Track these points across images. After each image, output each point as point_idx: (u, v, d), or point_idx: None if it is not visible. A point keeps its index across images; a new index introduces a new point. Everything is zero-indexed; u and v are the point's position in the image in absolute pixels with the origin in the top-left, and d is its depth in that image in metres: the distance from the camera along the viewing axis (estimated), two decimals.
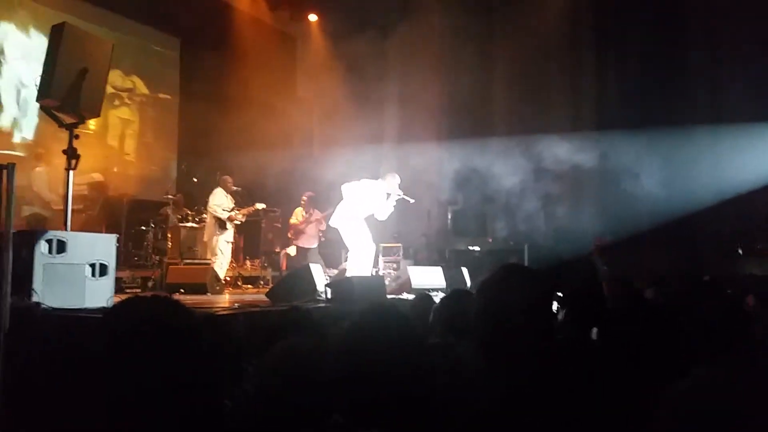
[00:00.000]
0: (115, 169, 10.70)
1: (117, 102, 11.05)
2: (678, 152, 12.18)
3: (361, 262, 7.48)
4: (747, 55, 12.02)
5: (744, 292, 3.73)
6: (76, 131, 4.77)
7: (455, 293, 3.11)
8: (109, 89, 10.80)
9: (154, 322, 1.24)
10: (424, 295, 4.12)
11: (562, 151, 12.66)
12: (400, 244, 12.64)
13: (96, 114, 5.10)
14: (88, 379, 1.30)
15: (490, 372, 1.71)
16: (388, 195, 7.59)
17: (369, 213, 7.56)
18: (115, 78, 10.89)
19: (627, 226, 12.23)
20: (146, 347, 1.18)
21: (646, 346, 2.35)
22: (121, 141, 11.21)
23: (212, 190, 8.87)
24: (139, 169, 11.27)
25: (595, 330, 2.75)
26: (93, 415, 1.29)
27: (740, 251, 11.85)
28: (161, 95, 11.84)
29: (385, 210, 7.60)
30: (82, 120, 4.84)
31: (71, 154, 4.71)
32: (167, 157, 11.88)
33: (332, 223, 7.75)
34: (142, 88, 11.50)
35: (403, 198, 7.70)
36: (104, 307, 4.09)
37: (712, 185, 11.85)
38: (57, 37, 4.52)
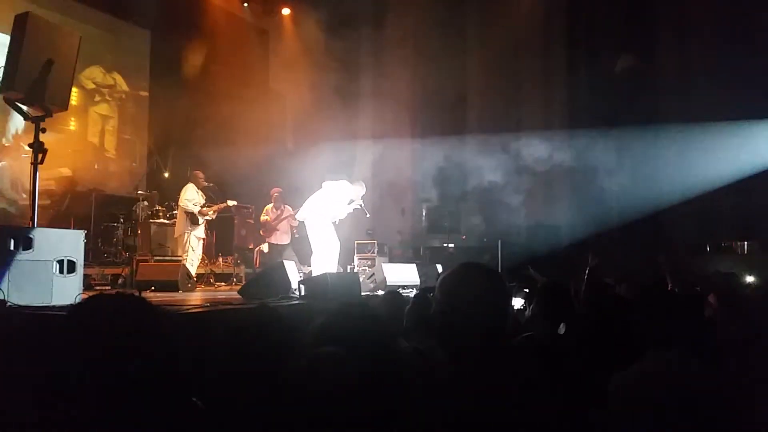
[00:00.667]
0: (96, 166, 10.55)
1: (98, 98, 10.93)
2: (647, 150, 12.42)
3: (324, 260, 7.45)
4: (716, 55, 12.27)
5: (708, 290, 3.81)
6: (43, 124, 4.65)
7: (422, 293, 3.12)
8: (91, 85, 10.69)
9: (118, 319, 1.21)
10: (393, 293, 4.11)
11: (535, 149, 12.82)
12: (374, 241, 12.63)
13: (64, 107, 4.97)
14: (53, 377, 1.27)
15: (447, 371, 1.71)
16: (351, 201, 7.62)
17: (335, 214, 7.56)
18: (96, 74, 10.74)
19: (598, 222, 12.45)
20: (110, 345, 1.16)
21: (608, 339, 2.41)
22: (101, 137, 11.09)
23: (183, 185, 8.74)
24: (119, 166, 11.12)
25: (562, 325, 2.79)
26: (58, 413, 1.26)
27: (707, 248, 12.14)
28: (141, 92, 11.70)
29: (341, 214, 7.59)
30: (48, 113, 4.71)
31: (37, 148, 4.59)
32: (146, 152, 11.75)
33: (300, 216, 7.73)
34: (122, 84, 11.38)
35: (361, 209, 7.72)
36: (70, 305, 3.99)
37: (680, 182, 12.10)
38: (21, 27, 4.39)
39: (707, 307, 3.28)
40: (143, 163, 11.62)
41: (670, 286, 4.55)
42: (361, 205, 7.70)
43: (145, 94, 11.74)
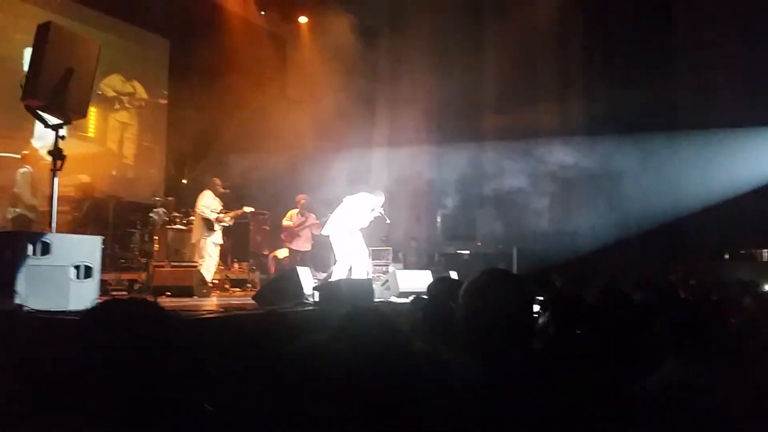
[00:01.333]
0: (114, 173, 10.69)
1: (117, 105, 11.12)
2: (666, 157, 12.28)
3: (346, 272, 7.65)
4: (734, 60, 12.14)
5: (731, 297, 3.77)
6: (62, 132, 4.72)
7: (437, 297, 3.10)
8: (111, 92, 10.87)
9: (130, 324, 1.22)
10: (420, 299, 4.06)
11: (552, 155, 12.75)
12: (389, 248, 12.63)
13: (83, 115, 5.04)
14: (68, 382, 1.28)
15: (473, 376, 1.71)
16: (372, 210, 7.86)
17: (358, 223, 7.80)
18: (116, 82, 10.92)
19: (616, 229, 12.32)
20: (121, 350, 1.16)
21: (624, 346, 2.38)
22: (120, 144, 11.27)
23: (200, 191, 8.81)
24: (138, 173, 11.26)
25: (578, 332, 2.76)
26: (73, 419, 1.27)
27: (727, 256, 11.96)
28: (160, 100, 11.86)
29: (364, 223, 7.83)
30: (68, 121, 4.78)
31: (56, 155, 4.65)
32: (164, 159, 11.90)
33: (325, 231, 7.96)
34: (141, 92, 11.57)
35: (382, 216, 7.99)
36: (84, 309, 4.03)
37: (701, 189, 11.94)
38: (43, 36, 4.47)
39: (739, 312, 3.25)
40: (161, 170, 11.75)
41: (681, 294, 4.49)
42: (381, 213, 7.94)
43: (164, 101, 11.90)
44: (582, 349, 2.68)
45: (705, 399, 1.90)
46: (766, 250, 11.82)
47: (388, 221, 8.22)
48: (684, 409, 1.91)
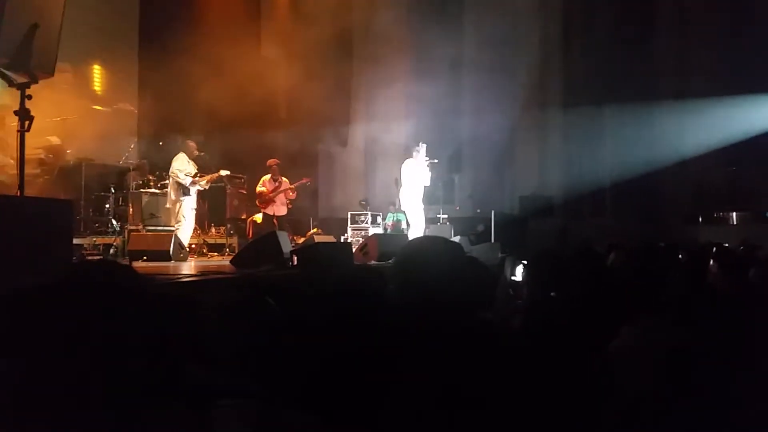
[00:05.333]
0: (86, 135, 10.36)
1: None
2: (641, 127, 12.40)
3: (421, 230, 8.96)
4: (714, 31, 12.21)
5: (705, 260, 3.83)
6: (29, 91, 4.54)
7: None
8: None
9: (101, 286, 1.18)
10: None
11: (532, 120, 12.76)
12: (368, 212, 12.61)
13: (50, 73, 4.84)
14: (38, 347, 1.23)
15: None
16: (424, 164, 9.01)
17: (422, 182, 8.94)
18: None
19: (589, 187, 12.50)
20: (93, 312, 1.13)
21: (598, 306, 2.42)
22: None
23: (175, 155, 8.63)
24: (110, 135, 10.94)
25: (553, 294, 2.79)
26: (43, 382, 1.23)
27: (700, 219, 12.21)
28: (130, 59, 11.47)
29: (426, 180, 9.00)
30: (34, 79, 4.59)
31: (23, 115, 4.49)
32: (136, 121, 11.56)
33: (403, 207, 9.27)
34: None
35: (432, 162, 9.18)
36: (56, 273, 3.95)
37: (673, 151, 12.13)
38: None
39: (709, 274, 3.30)
40: (134, 133, 11.45)
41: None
42: (428, 160, 9.07)
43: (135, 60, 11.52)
44: (556, 307, 2.72)
45: (677, 355, 1.93)
46: (734, 213, 12.11)
47: (436, 161, 9.33)
48: (659, 364, 1.95)
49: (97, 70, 11.05)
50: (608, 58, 12.70)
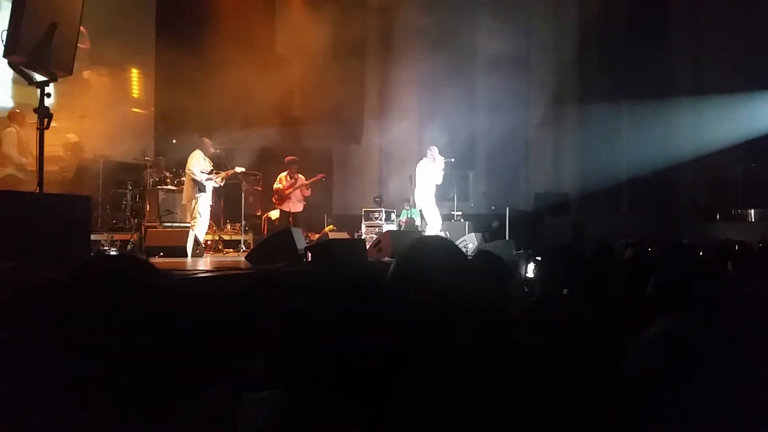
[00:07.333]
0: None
1: None
2: (658, 123, 12.27)
3: (438, 228, 9.13)
4: (728, 27, 12.05)
5: (722, 257, 3.79)
6: (47, 89, 4.61)
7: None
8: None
9: (118, 281, 1.21)
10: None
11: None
12: (382, 209, 12.61)
13: (68, 71, 4.91)
14: (55, 340, 1.26)
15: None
16: (440, 165, 9.23)
17: (436, 181, 9.16)
18: None
19: (605, 184, 12.41)
20: (110, 306, 1.15)
21: (616, 303, 2.39)
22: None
23: (191, 152, 8.71)
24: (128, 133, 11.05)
25: (566, 291, 2.77)
26: (58, 377, 1.26)
27: (718, 216, 12.05)
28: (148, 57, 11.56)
29: (438, 179, 9.20)
30: (53, 78, 4.67)
31: (43, 113, 4.57)
32: (153, 119, 11.67)
33: (419, 205, 9.45)
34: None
35: (447, 161, 9.38)
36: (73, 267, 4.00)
37: (692, 147, 12.00)
38: None
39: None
40: (151, 130, 11.56)
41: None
42: (443, 159, 9.28)
43: (152, 58, 11.63)
44: (569, 305, 2.69)
45: (698, 355, 1.91)
46: (752, 210, 11.94)
47: (452, 159, 9.54)
48: (680, 364, 1.93)
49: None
50: (624, 53, 12.57)
